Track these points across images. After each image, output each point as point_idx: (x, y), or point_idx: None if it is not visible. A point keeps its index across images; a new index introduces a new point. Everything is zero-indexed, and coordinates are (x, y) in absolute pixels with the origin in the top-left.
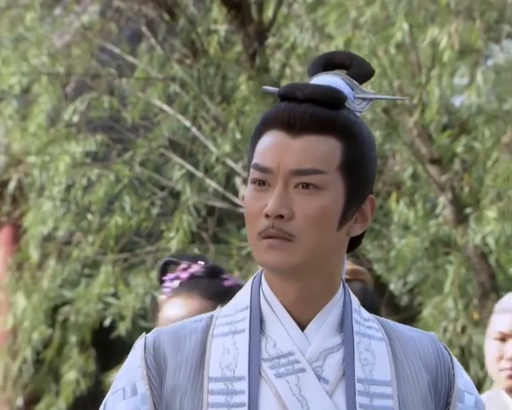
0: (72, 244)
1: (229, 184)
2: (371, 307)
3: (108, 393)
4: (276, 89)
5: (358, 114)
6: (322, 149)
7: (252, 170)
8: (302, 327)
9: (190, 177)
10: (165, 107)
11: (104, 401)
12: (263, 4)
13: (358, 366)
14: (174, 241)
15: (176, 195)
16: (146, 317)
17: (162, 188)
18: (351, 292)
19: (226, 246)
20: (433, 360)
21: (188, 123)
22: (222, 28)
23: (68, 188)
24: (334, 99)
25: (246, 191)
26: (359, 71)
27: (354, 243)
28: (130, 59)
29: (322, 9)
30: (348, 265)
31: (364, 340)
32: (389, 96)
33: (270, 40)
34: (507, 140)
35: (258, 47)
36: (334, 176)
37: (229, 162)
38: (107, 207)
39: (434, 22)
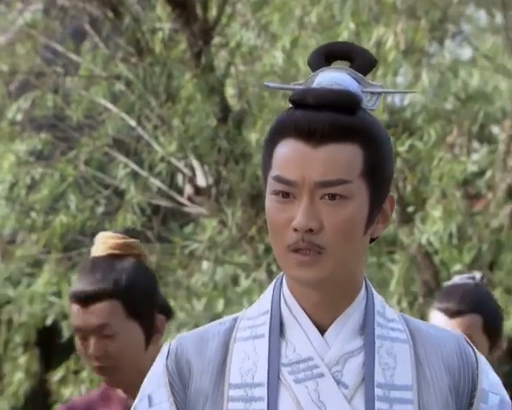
0: (16, 243)
1: (173, 182)
2: (146, 287)
3: (136, 400)
4: (283, 85)
5: (371, 112)
6: (344, 158)
7: (273, 181)
8: (322, 331)
9: (135, 176)
10: (110, 105)
11: (133, 407)
12: (207, 3)
13: (379, 370)
14: None
15: (120, 194)
16: None
17: (107, 187)
18: (375, 293)
19: (170, 245)
20: (456, 362)
21: (132, 122)
22: (166, 27)
23: (12, 186)
24: (351, 104)
25: (266, 202)
26: (363, 62)
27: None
28: (74, 57)
29: (267, 8)
30: (118, 239)
31: (386, 343)
32: (398, 90)
33: (216, 39)
34: (451, 140)
35: (204, 46)
36: (358, 183)
37: (174, 161)
38: (52, 206)
39: (380, 22)
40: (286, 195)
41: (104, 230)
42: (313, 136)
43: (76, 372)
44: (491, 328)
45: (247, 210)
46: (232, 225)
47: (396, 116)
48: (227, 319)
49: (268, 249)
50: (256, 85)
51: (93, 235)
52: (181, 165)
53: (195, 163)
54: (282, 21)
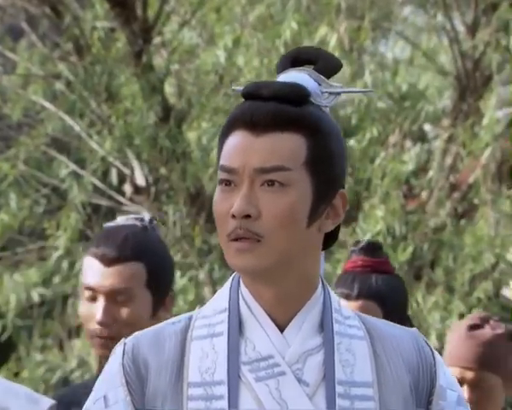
0: None
1: (112, 182)
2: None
3: (88, 402)
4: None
5: (325, 108)
6: (286, 147)
7: (219, 171)
8: (282, 329)
9: (76, 175)
10: (48, 104)
11: (84, 408)
12: (147, 1)
13: (339, 367)
14: (62, 239)
15: (61, 193)
16: (26, 314)
17: (46, 186)
18: (330, 290)
19: None
20: (415, 359)
21: (71, 121)
22: (106, 25)
23: None
24: (297, 95)
25: (215, 193)
26: (326, 65)
27: (329, 239)
28: (11, 55)
29: (206, 7)
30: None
31: (345, 340)
32: (355, 89)
33: (156, 38)
34: (394, 140)
35: (144, 45)
36: (301, 173)
37: (113, 160)
38: None
39: (323, 21)
40: (228, 183)
41: (43, 229)
42: (257, 125)
43: (16, 374)
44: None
45: (187, 209)
46: (171, 224)
47: (339, 115)
48: (181, 317)
49: (210, 249)
50: (196, 84)
51: (31, 234)
52: (120, 164)
53: (135, 162)
54: (222, 20)
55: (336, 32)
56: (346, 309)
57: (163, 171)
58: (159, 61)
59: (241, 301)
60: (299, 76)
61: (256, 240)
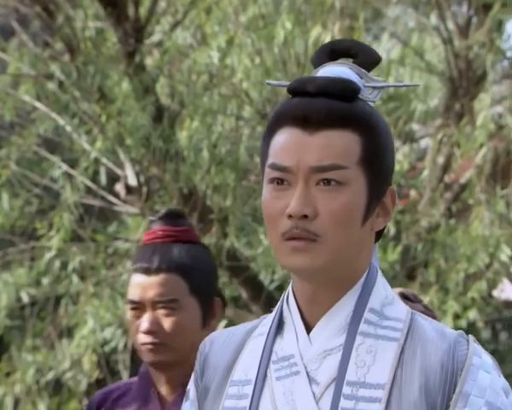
0: None
1: (105, 182)
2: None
3: None
4: (283, 83)
5: (372, 103)
6: (341, 144)
7: (269, 170)
8: (312, 327)
9: (68, 175)
10: (39, 105)
11: None
12: (139, 1)
13: (352, 368)
14: (55, 239)
15: (53, 193)
16: (18, 315)
17: (41, 187)
18: (377, 290)
19: (93, 244)
20: (435, 364)
21: (63, 121)
22: (98, 25)
23: None
24: (348, 91)
25: (263, 192)
26: (367, 58)
27: (376, 235)
28: (2, 55)
29: (199, 7)
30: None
31: (369, 341)
32: (399, 84)
33: (148, 38)
34: None
35: (136, 44)
36: (356, 170)
37: (106, 161)
38: None
39: (317, 21)
40: (281, 182)
41: (35, 229)
42: (309, 122)
43: (8, 374)
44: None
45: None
46: None
47: None
48: (262, 317)
49: None
50: (189, 84)
51: (23, 234)
52: (112, 164)
53: (126, 162)
54: (214, 21)
55: (330, 32)
56: (396, 310)
57: (155, 171)
58: (151, 61)
59: (285, 302)
60: (341, 70)
61: (312, 240)
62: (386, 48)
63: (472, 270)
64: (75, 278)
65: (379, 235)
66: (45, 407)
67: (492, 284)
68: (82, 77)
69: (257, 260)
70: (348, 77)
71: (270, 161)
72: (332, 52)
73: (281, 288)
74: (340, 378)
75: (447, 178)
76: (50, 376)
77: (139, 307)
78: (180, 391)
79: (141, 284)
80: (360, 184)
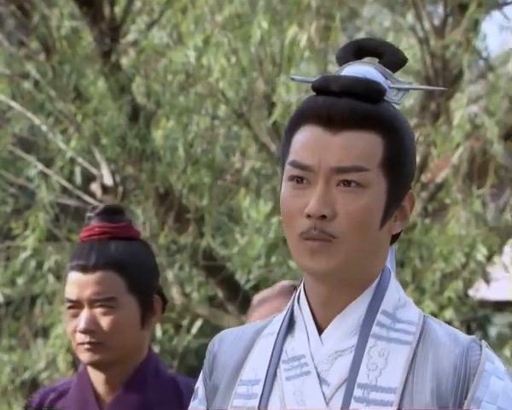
0: None
1: (80, 182)
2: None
3: None
4: (307, 78)
5: (397, 105)
6: (363, 146)
7: (289, 167)
8: (324, 328)
9: (44, 175)
10: (15, 104)
11: None
12: (115, 0)
13: (364, 370)
14: (31, 239)
15: (28, 193)
16: None
17: (16, 186)
18: (390, 292)
19: (62, 243)
20: (447, 368)
21: (39, 121)
22: (74, 25)
23: None
24: (373, 92)
25: (282, 190)
26: (392, 59)
27: (392, 237)
28: None
29: (175, 7)
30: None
31: (381, 343)
32: (424, 87)
33: (124, 37)
34: None
35: (112, 44)
36: (377, 173)
37: (81, 161)
38: None
39: (293, 21)
40: (301, 180)
41: (10, 229)
42: (333, 122)
43: None
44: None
45: (156, 209)
46: (141, 223)
47: None
48: (271, 317)
49: (179, 249)
50: (165, 84)
51: None
52: (88, 164)
53: (102, 162)
54: (190, 20)
55: (306, 32)
56: (409, 313)
57: (131, 170)
58: (127, 60)
59: (296, 301)
60: (366, 70)
61: (328, 240)
62: None
63: (448, 269)
64: (51, 278)
65: (395, 237)
66: (21, 407)
67: (468, 284)
68: (58, 76)
69: (233, 260)
70: (373, 77)
71: (290, 158)
72: (358, 50)
73: (257, 287)
74: (351, 380)
75: (424, 178)
76: (26, 376)
77: (76, 305)
78: (119, 391)
79: (77, 282)
80: (380, 187)
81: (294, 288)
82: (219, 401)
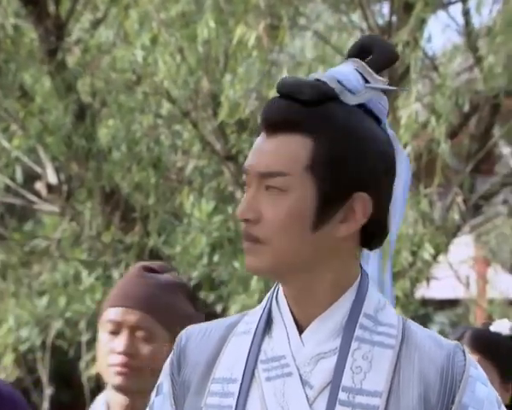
0: None
1: (25, 181)
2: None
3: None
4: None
5: (351, 107)
6: (290, 150)
7: None
8: (304, 330)
9: None
10: None
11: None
12: None
13: (348, 374)
14: None
15: None
16: None
17: None
18: (371, 296)
19: (8, 242)
20: (434, 373)
21: None
22: (19, 23)
23: None
24: (310, 94)
25: None
26: (378, 58)
27: (372, 239)
28: None
29: (120, 6)
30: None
31: (365, 346)
32: (391, 87)
33: (70, 36)
34: None
35: (57, 42)
36: (302, 176)
37: (27, 160)
38: None
39: (241, 20)
40: (246, 184)
41: None
42: (269, 125)
43: None
44: None
45: (101, 208)
46: (86, 222)
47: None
48: (240, 313)
49: (125, 248)
50: (111, 83)
51: None
52: (32, 163)
53: (47, 161)
54: (134, 19)
55: (255, 31)
56: (389, 316)
57: (75, 169)
58: (73, 59)
59: (274, 301)
60: (342, 70)
61: (255, 243)
62: (307, 46)
63: (396, 269)
64: None
65: (373, 241)
66: None
67: (415, 283)
68: (2, 74)
69: (176, 259)
70: (343, 76)
71: None
72: (359, 48)
73: (199, 286)
74: (335, 383)
75: None
76: None
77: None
78: None
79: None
80: (307, 189)
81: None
82: (192, 399)
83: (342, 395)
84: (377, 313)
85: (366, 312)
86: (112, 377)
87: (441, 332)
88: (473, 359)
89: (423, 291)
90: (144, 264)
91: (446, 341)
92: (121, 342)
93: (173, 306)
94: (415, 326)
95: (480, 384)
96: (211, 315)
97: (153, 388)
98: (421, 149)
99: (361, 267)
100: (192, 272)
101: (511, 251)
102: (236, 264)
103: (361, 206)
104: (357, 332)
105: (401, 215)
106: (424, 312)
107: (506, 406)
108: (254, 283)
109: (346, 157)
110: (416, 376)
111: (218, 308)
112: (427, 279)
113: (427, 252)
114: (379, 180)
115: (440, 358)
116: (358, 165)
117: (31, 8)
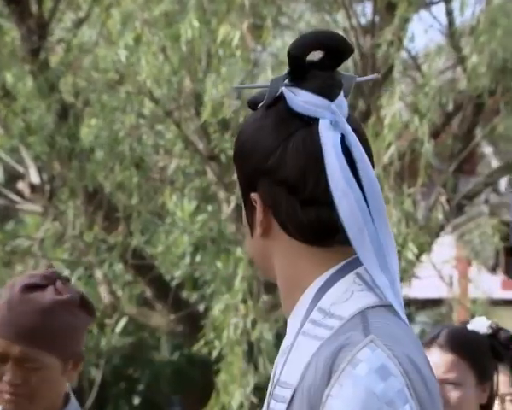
0: None
1: (7, 181)
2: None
3: None
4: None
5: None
6: None
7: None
8: None
9: None
10: None
11: None
12: None
13: (286, 367)
14: None
15: None
16: None
17: None
18: (333, 289)
19: None
20: (321, 365)
21: None
22: (0, 22)
23: None
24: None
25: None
26: (334, 53)
27: (324, 234)
28: None
29: (102, 5)
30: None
31: (303, 340)
32: (261, 85)
33: (52, 35)
34: None
35: (40, 42)
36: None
37: (9, 160)
38: None
39: (225, 20)
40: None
41: None
42: None
43: None
44: None
45: (84, 208)
46: (70, 222)
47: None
48: None
49: (110, 248)
50: (93, 82)
51: None
52: (14, 162)
53: (29, 160)
54: (116, 18)
55: (239, 31)
56: (345, 308)
57: (58, 169)
58: (55, 58)
59: None
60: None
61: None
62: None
63: None
64: None
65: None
66: None
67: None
68: None
69: (159, 258)
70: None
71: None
72: (302, 49)
73: (182, 285)
74: (276, 378)
75: None
76: None
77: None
78: None
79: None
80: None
81: None
82: None
83: (276, 390)
84: (333, 305)
85: (320, 306)
86: (2, 403)
87: (423, 332)
88: (366, 358)
89: (406, 291)
90: (27, 283)
91: (358, 334)
92: (9, 371)
93: (59, 329)
94: (372, 319)
95: (344, 388)
96: (193, 315)
97: None
98: (404, 148)
99: (349, 266)
100: (175, 271)
101: (493, 251)
102: (219, 264)
103: (259, 205)
104: (306, 326)
105: (344, 190)
106: (407, 312)
107: (483, 406)
108: (238, 283)
109: (237, 158)
110: (312, 367)
111: (201, 308)
112: (410, 279)
113: (410, 252)
114: (262, 179)
115: (330, 349)
116: (247, 168)
117: (13, 8)
